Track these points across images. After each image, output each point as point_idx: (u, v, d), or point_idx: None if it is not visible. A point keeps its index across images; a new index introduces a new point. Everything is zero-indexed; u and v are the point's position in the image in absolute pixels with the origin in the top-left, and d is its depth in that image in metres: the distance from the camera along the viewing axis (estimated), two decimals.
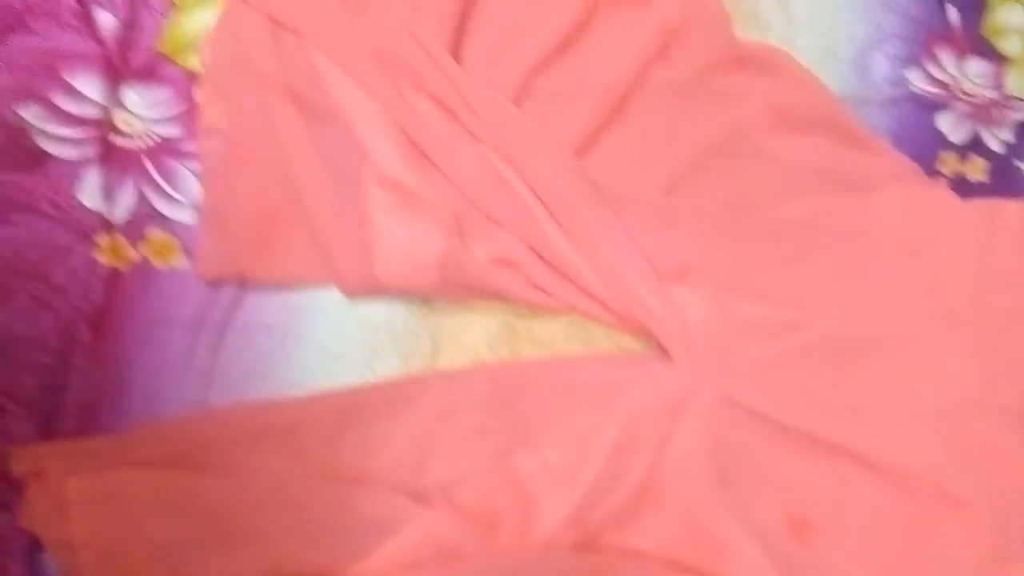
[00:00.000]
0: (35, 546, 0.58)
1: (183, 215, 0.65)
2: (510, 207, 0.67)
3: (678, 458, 0.69)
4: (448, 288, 0.66)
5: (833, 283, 0.72)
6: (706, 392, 0.70)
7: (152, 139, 0.66)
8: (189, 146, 0.66)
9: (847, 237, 0.73)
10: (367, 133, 0.64)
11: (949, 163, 0.76)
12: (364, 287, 0.65)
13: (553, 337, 0.71)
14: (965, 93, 0.77)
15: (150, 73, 0.67)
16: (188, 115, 0.66)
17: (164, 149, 0.66)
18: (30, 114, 0.64)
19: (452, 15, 0.68)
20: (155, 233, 0.65)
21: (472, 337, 0.69)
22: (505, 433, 0.68)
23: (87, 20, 0.66)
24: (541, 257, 0.68)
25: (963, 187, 0.75)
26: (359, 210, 0.63)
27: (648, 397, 0.70)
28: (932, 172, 0.75)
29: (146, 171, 0.65)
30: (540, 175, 0.67)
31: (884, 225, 0.72)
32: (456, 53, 0.68)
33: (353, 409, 0.65)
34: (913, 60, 0.77)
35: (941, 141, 0.76)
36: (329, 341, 0.66)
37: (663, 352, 0.70)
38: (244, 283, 0.65)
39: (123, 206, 0.65)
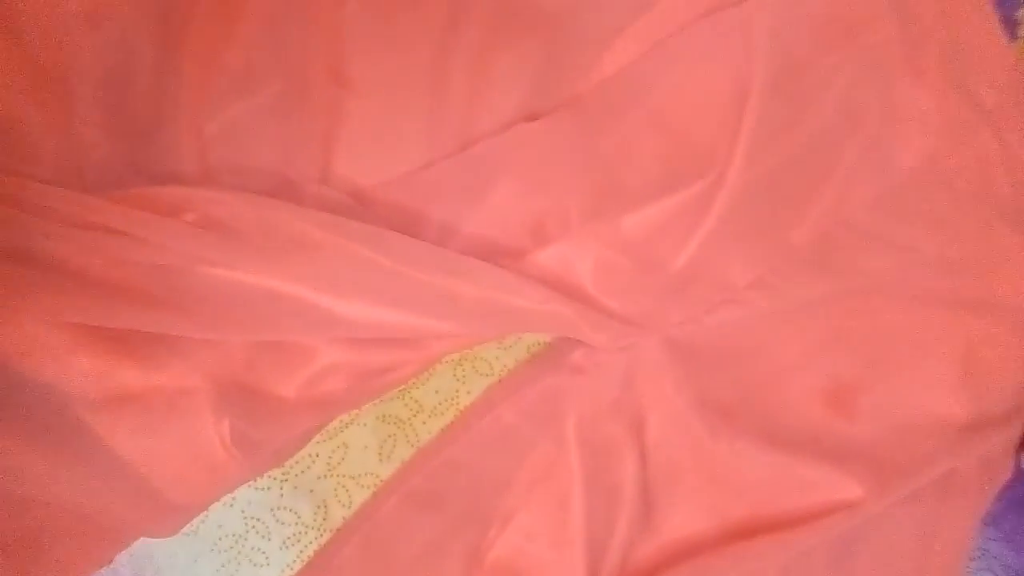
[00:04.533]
0: None
1: None
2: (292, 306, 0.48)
3: (662, 431, 0.55)
4: (267, 458, 0.49)
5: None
6: (647, 346, 0.54)
7: None
8: None
9: None
10: (44, 363, 0.44)
11: None
12: (172, 522, 0.47)
13: (443, 392, 0.54)
14: None
15: None
16: None
17: None
18: None
19: None
20: None
21: (355, 462, 0.53)
22: (462, 530, 0.54)
23: None
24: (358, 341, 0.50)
25: None
26: (99, 454, 0.44)
27: (590, 389, 0.55)
28: None
29: None
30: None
31: None
32: None
33: None
34: None
35: None
36: None
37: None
38: None
39: None
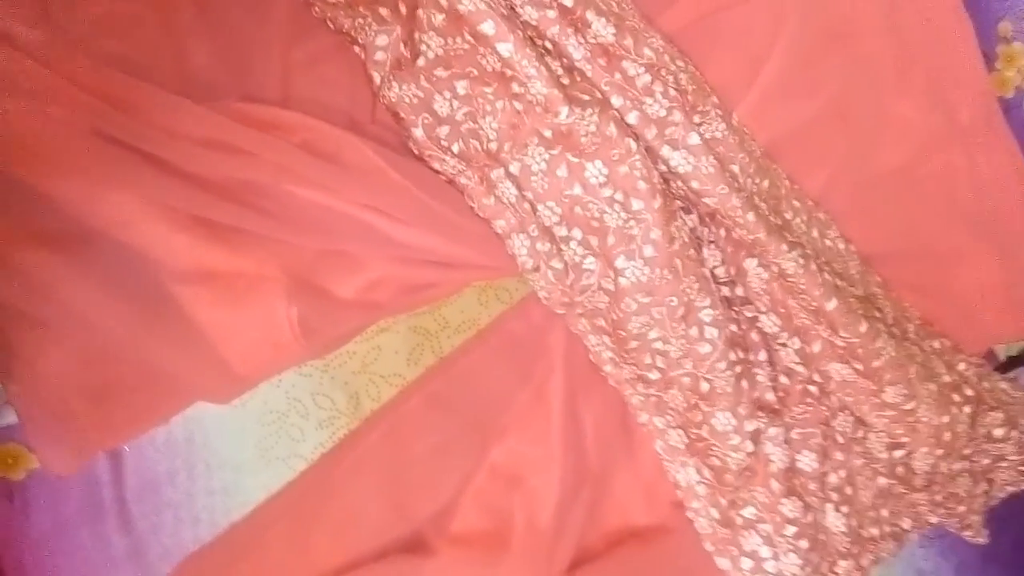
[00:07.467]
0: None
1: (7, 416, 0.54)
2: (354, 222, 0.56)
3: None
4: (320, 345, 0.56)
5: None
6: None
7: None
8: None
9: None
10: (144, 235, 0.51)
11: None
12: (233, 390, 0.55)
13: (467, 312, 0.62)
14: None
15: None
16: None
17: None
18: None
19: None
20: None
21: (386, 363, 0.61)
22: (468, 435, 0.62)
23: None
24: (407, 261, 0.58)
25: None
26: (177, 322, 0.52)
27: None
28: None
29: None
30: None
31: None
32: None
33: (303, 502, 0.58)
34: None
35: None
36: (240, 451, 0.58)
37: None
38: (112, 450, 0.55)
39: None
